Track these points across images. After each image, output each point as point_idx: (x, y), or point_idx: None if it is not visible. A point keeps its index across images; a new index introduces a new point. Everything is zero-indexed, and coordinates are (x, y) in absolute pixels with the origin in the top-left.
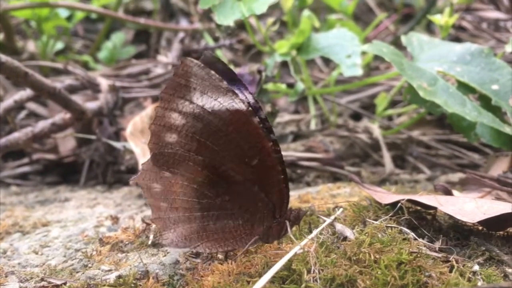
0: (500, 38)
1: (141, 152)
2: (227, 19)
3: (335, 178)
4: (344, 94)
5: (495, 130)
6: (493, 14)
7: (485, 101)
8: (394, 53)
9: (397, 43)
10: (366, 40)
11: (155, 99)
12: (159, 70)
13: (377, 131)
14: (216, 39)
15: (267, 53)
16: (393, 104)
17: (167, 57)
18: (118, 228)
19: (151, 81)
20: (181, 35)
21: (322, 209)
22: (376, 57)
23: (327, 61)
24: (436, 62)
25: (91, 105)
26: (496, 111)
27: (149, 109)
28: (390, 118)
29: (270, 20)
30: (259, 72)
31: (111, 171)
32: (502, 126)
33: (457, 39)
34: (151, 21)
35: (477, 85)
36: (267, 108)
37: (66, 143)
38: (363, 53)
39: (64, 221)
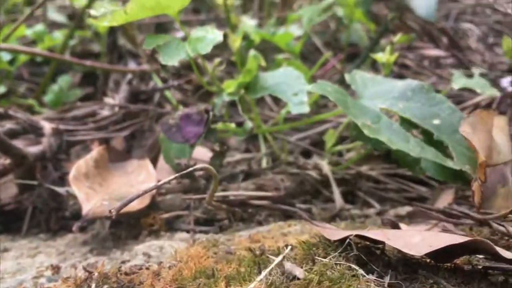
0: (441, 75)
1: (85, 197)
2: (171, 59)
3: (287, 216)
4: (294, 132)
5: (438, 164)
6: (434, 52)
7: (428, 136)
8: (339, 92)
9: (343, 81)
10: (314, 78)
11: (102, 141)
12: (105, 112)
13: (326, 168)
14: (164, 80)
15: (216, 92)
16: (342, 140)
17: (114, 99)
18: (58, 278)
19: (98, 123)
20: (129, 76)
21: (272, 249)
22: (325, 96)
23: (276, 100)
24: (379, 99)
25: (33, 150)
26: (439, 145)
27: (94, 152)
28: (339, 154)
29: (217, 60)
30: (207, 111)
31: (54, 218)
32: (445, 161)
33: (401, 76)
34: (98, 63)
35: (419, 120)
36: (215, 147)
37: (7, 190)
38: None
39: (1, 273)
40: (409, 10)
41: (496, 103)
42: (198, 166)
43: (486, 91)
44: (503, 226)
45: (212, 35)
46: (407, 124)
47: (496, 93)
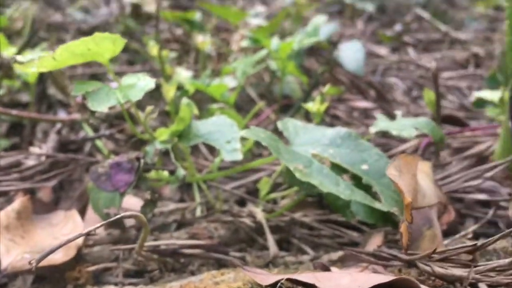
0: (368, 124)
1: (5, 250)
2: (101, 105)
3: (220, 265)
4: (229, 180)
5: (368, 207)
6: (362, 103)
7: (357, 180)
8: (271, 138)
9: (277, 131)
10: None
11: (27, 192)
12: (31, 162)
13: (260, 215)
14: (96, 130)
15: (149, 140)
16: (276, 187)
17: (41, 148)
18: None
19: (22, 173)
20: (58, 126)
21: None
22: (259, 145)
23: (211, 149)
24: (310, 145)
25: None
26: (368, 189)
27: (17, 203)
28: (274, 201)
29: (149, 107)
30: (138, 159)
31: None
32: (373, 203)
33: (332, 126)
34: (25, 112)
35: (349, 165)
36: (146, 195)
37: None
38: (245, 140)
39: None
40: (339, 64)
41: (421, 150)
42: (127, 213)
43: (403, 133)
44: (429, 266)
45: (143, 82)
46: (338, 169)
47: (412, 134)
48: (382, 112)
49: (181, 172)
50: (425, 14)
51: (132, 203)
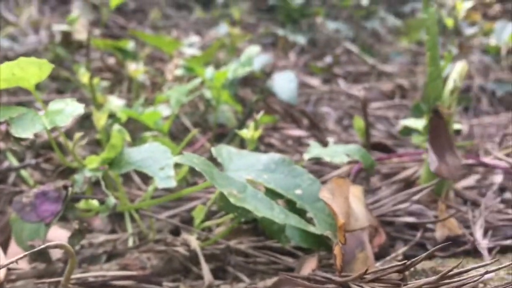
0: (302, 152)
1: None
2: (26, 132)
3: None
4: (163, 209)
5: (302, 231)
6: (296, 132)
7: (291, 205)
8: (205, 164)
9: (212, 159)
10: None
11: None
12: None
13: (194, 243)
14: (21, 159)
15: (77, 169)
16: (211, 215)
17: None
18: None
19: None
20: None
21: None
22: (194, 173)
23: (145, 179)
24: (244, 171)
25: None
26: (302, 213)
27: None
28: (210, 229)
29: (78, 134)
30: (65, 188)
31: None
32: (308, 226)
33: None
34: None
35: (283, 190)
36: (74, 225)
37: None
38: (179, 168)
39: None
40: (273, 94)
41: (352, 176)
42: (51, 243)
43: (335, 159)
44: (361, 287)
45: (71, 107)
46: (272, 194)
47: (344, 160)
48: (315, 140)
49: (111, 200)
50: (354, 48)
51: (59, 234)
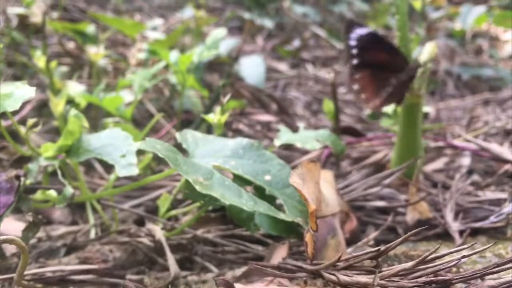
0: (271, 137)
1: None
2: None
3: None
4: (127, 199)
5: (272, 218)
6: (265, 117)
7: (260, 192)
8: (169, 149)
9: (178, 146)
10: None
11: None
12: None
13: (159, 233)
14: None
15: (32, 157)
16: (178, 203)
17: None
18: None
19: None
20: None
21: None
22: (159, 161)
23: (108, 168)
24: (211, 157)
25: None
26: (272, 200)
27: None
28: (176, 218)
29: (32, 120)
30: (18, 178)
31: None
32: (277, 213)
33: None
34: None
35: (251, 176)
36: (28, 217)
37: None
38: (143, 155)
39: None
40: (240, 79)
41: (322, 161)
42: (1, 237)
43: (306, 145)
44: (334, 275)
45: (22, 90)
46: (240, 180)
47: (316, 146)
48: (284, 125)
49: (69, 190)
50: (321, 32)
51: (14, 227)
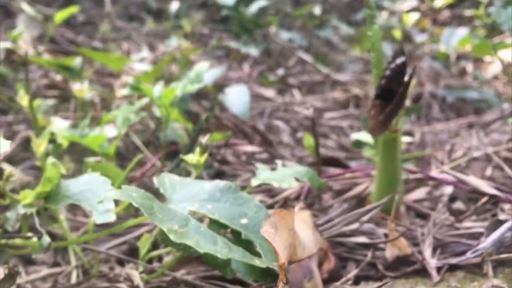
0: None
1: None
2: None
3: None
4: (110, 238)
5: (248, 263)
6: (249, 148)
7: (237, 236)
8: (145, 197)
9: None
10: (133, 179)
11: None
12: None
13: (137, 278)
14: None
15: (10, 205)
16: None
17: None
18: None
19: None
20: None
21: None
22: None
23: None
24: (188, 201)
25: None
26: (249, 244)
27: None
28: (159, 258)
29: (8, 170)
30: None
31: None
32: (252, 259)
33: (222, 173)
34: None
35: (228, 220)
36: (4, 270)
37: None
38: None
39: None
40: (225, 108)
41: (304, 195)
42: None
43: (283, 184)
44: None
45: None
46: (216, 225)
47: (293, 184)
48: (268, 156)
49: (46, 240)
50: (308, 57)
51: None
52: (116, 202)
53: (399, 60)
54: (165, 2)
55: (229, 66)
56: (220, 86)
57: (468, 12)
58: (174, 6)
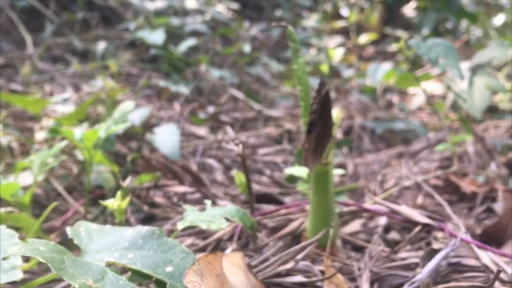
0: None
1: None
2: None
3: None
4: None
5: None
6: (181, 188)
7: (161, 286)
8: (55, 250)
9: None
10: (52, 229)
11: None
12: None
13: None
14: None
15: None
16: None
17: None
18: None
19: None
20: None
21: None
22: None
23: None
24: (107, 251)
25: None
26: None
27: None
28: None
29: None
30: None
31: None
32: None
33: (152, 217)
34: None
35: (151, 270)
36: None
37: None
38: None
39: None
40: (155, 149)
41: (237, 234)
42: None
43: (212, 226)
44: None
45: None
46: (138, 275)
47: (222, 225)
48: (200, 195)
49: None
50: (239, 94)
51: None
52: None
53: (323, 91)
54: (91, 43)
55: (159, 105)
56: (150, 125)
57: (391, 48)
58: (100, 47)
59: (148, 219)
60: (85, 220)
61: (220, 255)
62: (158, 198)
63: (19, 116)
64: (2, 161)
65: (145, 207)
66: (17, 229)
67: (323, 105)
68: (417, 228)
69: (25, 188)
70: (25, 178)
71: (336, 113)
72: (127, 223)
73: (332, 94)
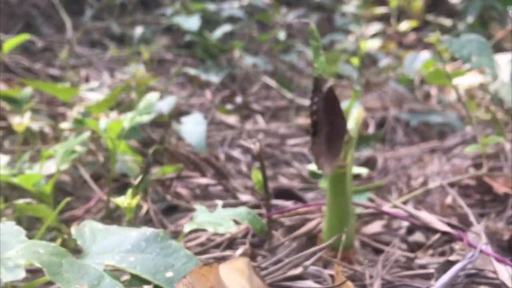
0: (213, 202)
1: None
2: None
3: None
4: None
5: None
6: (203, 180)
7: None
8: (54, 253)
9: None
10: (73, 218)
11: None
12: None
13: None
14: None
15: None
16: None
17: None
18: None
19: None
20: None
21: None
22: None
23: None
24: (108, 253)
25: None
26: None
27: None
28: None
29: None
30: None
31: None
32: None
33: (174, 207)
34: None
35: (151, 275)
36: None
37: None
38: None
39: None
40: (181, 139)
41: (251, 234)
42: None
43: (220, 229)
44: None
45: None
46: (137, 280)
47: (230, 228)
48: (222, 188)
49: None
50: (272, 82)
51: None
52: None
53: (325, 88)
54: (129, 27)
55: (192, 92)
56: (180, 113)
57: (431, 37)
58: (138, 32)
59: (169, 210)
60: (106, 210)
61: (216, 267)
62: (181, 189)
63: (51, 102)
64: (33, 147)
65: (168, 197)
66: (37, 219)
67: (328, 103)
68: (436, 236)
69: (49, 177)
70: (50, 167)
71: (357, 112)
72: (147, 214)
73: (362, 87)
